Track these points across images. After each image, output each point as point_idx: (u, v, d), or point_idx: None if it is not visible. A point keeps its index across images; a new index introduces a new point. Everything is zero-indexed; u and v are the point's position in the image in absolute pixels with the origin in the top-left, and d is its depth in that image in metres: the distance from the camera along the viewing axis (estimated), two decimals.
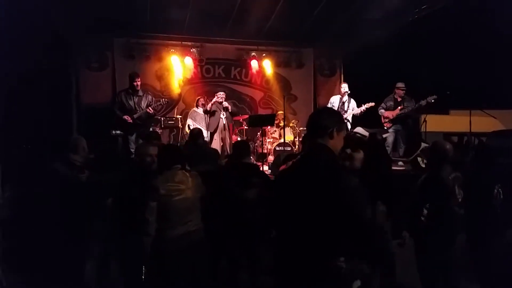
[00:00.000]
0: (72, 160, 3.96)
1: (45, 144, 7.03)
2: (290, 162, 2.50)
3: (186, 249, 2.92)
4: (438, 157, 3.39)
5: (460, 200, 3.30)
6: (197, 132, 5.36)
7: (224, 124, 7.52)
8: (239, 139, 8.14)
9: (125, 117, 6.24)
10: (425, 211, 3.17)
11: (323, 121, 1.96)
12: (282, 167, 3.20)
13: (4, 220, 4.16)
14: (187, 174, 3.13)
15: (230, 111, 7.61)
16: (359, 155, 3.18)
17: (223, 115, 7.54)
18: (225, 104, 7.57)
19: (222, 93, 7.67)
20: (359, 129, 6.31)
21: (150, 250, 2.91)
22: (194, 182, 3.13)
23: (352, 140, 3.85)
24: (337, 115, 2.09)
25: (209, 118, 7.57)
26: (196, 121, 7.82)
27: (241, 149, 3.96)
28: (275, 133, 8.48)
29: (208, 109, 7.51)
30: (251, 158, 7.93)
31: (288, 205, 1.85)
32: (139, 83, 6.39)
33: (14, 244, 4.21)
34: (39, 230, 3.62)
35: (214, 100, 7.55)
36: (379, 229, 3.13)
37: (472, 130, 7.17)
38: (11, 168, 4.59)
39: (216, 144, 7.43)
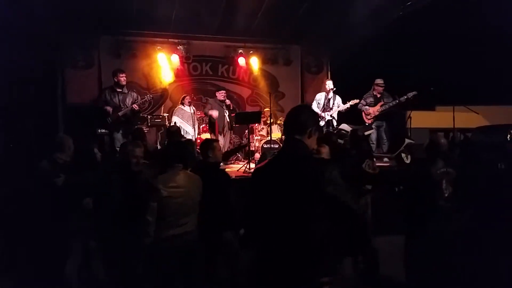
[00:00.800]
0: (57, 159, 3.94)
1: (30, 143, 6.98)
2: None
3: (181, 250, 2.93)
4: (433, 151, 3.46)
5: (447, 195, 3.36)
6: (174, 130, 5.27)
7: (228, 123, 7.62)
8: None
9: (107, 107, 6.17)
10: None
11: (303, 119, 1.97)
12: (258, 165, 3.25)
13: None
14: (189, 175, 3.12)
15: (231, 108, 7.68)
16: (325, 149, 3.20)
17: (226, 113, 7.63)
18: (228, 102, 7.62)
19: (223, 91, 7.74)
20: (344, 126, 6.37)
21: (147, 250, 2.91)
22: (196, 185, 3.11)
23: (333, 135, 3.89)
24: (316, 115, 2.14)
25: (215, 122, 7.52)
26: (184, 118, 7.80)
27: (206, 148, 3.83)
28: (263, 130, 8.51)
29: (210, 115, 7.49)
30: (238, 156, 8.05)
31: (269, 201, 1.86)
32: (122, 79, 6.35)
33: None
34: (24, 230, 3.60)
35: (215, 98, 7.64)
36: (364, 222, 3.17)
37: (457, 126, 7.28)
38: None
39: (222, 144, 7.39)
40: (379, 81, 7.32)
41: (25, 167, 5.02)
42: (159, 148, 7.10)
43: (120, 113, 6.25)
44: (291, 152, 1.91)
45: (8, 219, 4.08)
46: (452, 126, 8.40)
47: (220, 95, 7.61)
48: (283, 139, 2.00)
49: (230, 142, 8.04)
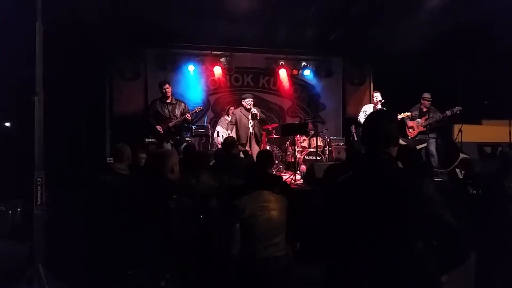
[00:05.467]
0: (116, 169, 3.94)
1: (81, 152, 7.22)
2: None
3: (270, 272, 2.81)
4: (506, 164, 3.37)
5: None
6: (230, 141, 5.14)
7: (251, 133, 6.84)
8: (268, 147, 8.14)
9: (157, 127, 6.31)
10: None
11: (390, 128, 1.83)
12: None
13: (49, 226, 4.26)
14: (273, 195, 3.00)
15: (259, 118, 6.88)
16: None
17: (250, 124, 6.84)
18: (254, 110, 6.80)
19: (250, 99, 6.89)
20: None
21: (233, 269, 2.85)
22: (281, 204, 2.98)
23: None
24: (397, 122, 2.00)
25: (237, 126, 7.00)
26: (227, 129, 7.84)
27: (263, 159, 3.88)
28: (304, 142, 8.44)
29: (235, 120, 6.99)
30: (280, 168, 8.02)
31: (357, 218, 1.77)
32: (168, 90, 6.47)
33: (58, 251, 4.31)
34: (88, 240, 3.63)
35: (241, 107, 7.01)
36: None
37: (505, 141, 6.96)
38: (54, 177, 4.68)
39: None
40: (426, 95, 7.14)
41: (82, 178, 5.19)
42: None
43: (171, 124, 6.36)
44: (381, 168, 1.78)
45: (70, 228, 4.16)
46: (499, 140, 8.07)
47: (245, 103, 6.87)
48: (364, 150, 1.85)
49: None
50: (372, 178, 1.79)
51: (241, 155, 6.07)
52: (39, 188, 4.12)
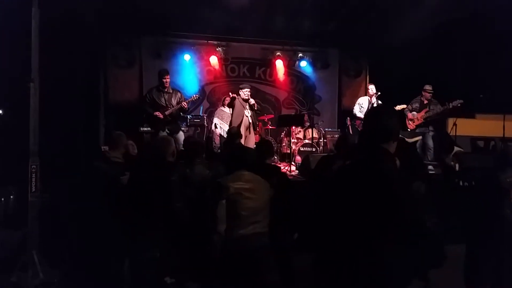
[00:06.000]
0: (112, 157, 3.91)
1: (76, 140, 7.16)
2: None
3: (250, 251, 2.88)
4: (503, 159, 3.41)
5: None
6: (235, 132, 5.27)
7: (250, 123, 6.99)
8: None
9: (156, 113, 6.29)
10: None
11: (391, 124, 1.82)
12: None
13: (43, 215, 4.25)
14: (254, 175, 3.08)
15: (256, 108, 7.11)
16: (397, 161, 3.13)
17: (248, 113, 6.96)
18: (252, 101, 6.98)
19: (247, 89, 7.00)
20: None
21: (218, 249, 2.90)
22: (263, 184, 3.08)
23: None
24: (399, 117, 1.95)
25: (231, 113, 7.11)
26: (223, 119, 7.82)
27: (264, 149, 3.89)
28: (300, 133, 8.45)
29: (232, 102, 7.01)
30: (274, 159, 8.03)
31: (345, 210, 1.77)
32: (168, 80, 6.44)
33: (52, 239, 4.30)
34: (83, 228, 3.62)
35: (240, 96, 7.03)
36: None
37: (498, 135, 7.03)
38: (49, 165, 4.64)
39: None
40: (427, 87, 7.12)
41: (78, 166, 5.16)
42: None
43: (167, 112, 6.33)
44: (376, 164, 1.77)
45: (64, 219, 4.15)
46: (493, 135, 8.15)
47: (243, 93, 6.96)
48: (362, 145, 1.83)
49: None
50: (363, 173, 1.78)
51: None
52: (33, 175, 4.11)
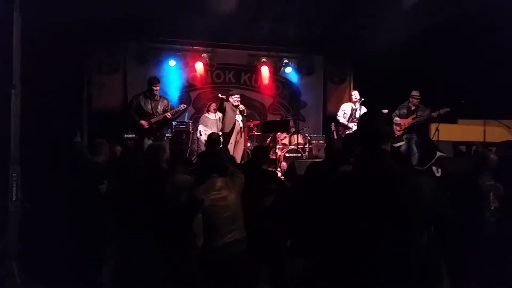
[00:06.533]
0: (93, 164, 3.91)
1: (58, 148, 7.03)
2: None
3: (231, 259, 2.84)
4: (481, 164, 3.51)
5: (492, 208, 3.33)
6: (215, 138, 5.24)
7: (240, 127, 7.21)
8: (249, 144, 8.15)
9: (142, 121, 6.23)
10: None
11: (386, 127, 1.91)
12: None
13: (22, 220, 4.15)
14: (225, 180, 3.01)
15: (245, 114, 7.31)
16: None
17: (238, 118, 7.19)
18: (242, 107, 7.20)
19: (237, 96, 7.27)
20: None
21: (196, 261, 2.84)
22: (232, 189, 3.00)
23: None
24: (390, 120, 2.04)
25: (223, 118, 7.22)
26: (207, 126, 7.81)
27: (261, 155, 3.90)
28: (285, 139, 8.47)
29: (224, 106, 7.10)
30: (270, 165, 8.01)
31: (356, 215, 1.79)
32: (158, 88, 6.41)
33: (31, 246, 4.20)
34: (64, 238, 3.56)
35: (229, 102, 7.20)
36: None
37: (479, 140, 7.17)
38: (29, 172, 4.55)
39: (230, 148, 7.32)
40: (414, 93, 7.25)
41: (59, 173, 5.06)
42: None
43: (153, 120, 6.29)
44: (381, 164, 1.83)
45: (43, 222, 4.08)
46: (475, 140, 8.31)
47: (234, 99, 7.18)
48: (359, 148, 1.87)
49: (249, 150, 8.02)
50: (370, 176, 1.83)
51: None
52: (14, 184, 4.00)
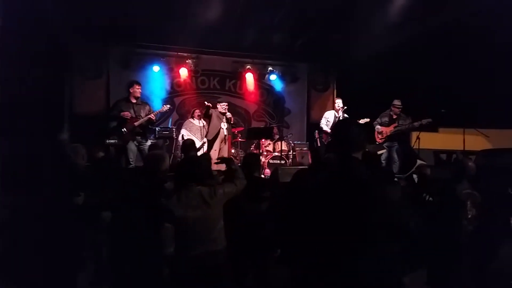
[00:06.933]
0: (70, 169, 3.85)
1: (38, 153, 6.89)
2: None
3: (202, 272, 2.70)
4: (459, 172, 3.55)
5: (470, 216, 3.39)
6: (189, 144, 5.14)
7: (225, 135, 7.33)
8: (233, 151, 8.14)
9: (124, 113, 6.15)
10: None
11: (360, 135, 1.95)
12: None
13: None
14: (203, 189, 2.84)
15: (232, 122, 7.43)
16: None
17: (224, 125, 7.33)
18: (229, 115, 7.36)
19: (225, 104, 7.47)
20: None
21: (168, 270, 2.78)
22: (211, 200, 2.83)
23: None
24: (364, 129, 2.07)
25: (208, 125, 7.35)
26: (191, 131, 7.78)
27: (253, 163, 3.87)
28: (269, 146, 8.50)
29: (206, 114, 7.17)
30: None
31: (326, 221, 1.80)
32: (138, 90, 6.35)
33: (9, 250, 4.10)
34: (43, 243, 3.49)
35: (217, 109, 7.35)
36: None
37: (459, 148, 7.31)
38: (8, 179, 4.46)
39: (214, 155, 7.33)
40: (396, 102, 7.37)
41: (36, 177, 4.96)
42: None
43: (136, 123, 6.23)
44: (352, 172, 1.86)
45: (21, 230, 3.98)
46: (454, 148, 8.48)
47: (221, 107, 7.39)
48: (332, 156, 1.88)
49: (233, 156, 8.03)
50: (345, 182, 1.86)
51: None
52: None
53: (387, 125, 7.28)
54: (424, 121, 6.86)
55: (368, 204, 1.76)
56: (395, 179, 6.19)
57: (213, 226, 2.81)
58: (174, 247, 2.82)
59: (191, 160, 3.19)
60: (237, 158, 8.25)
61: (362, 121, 7.26)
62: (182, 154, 5.23)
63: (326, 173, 2.03)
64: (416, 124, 6.95)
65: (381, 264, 1.71)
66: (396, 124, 7.18)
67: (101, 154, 6.03)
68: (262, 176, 7.19)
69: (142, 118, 6.29)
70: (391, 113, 7.35)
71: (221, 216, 2.88)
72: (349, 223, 1.76)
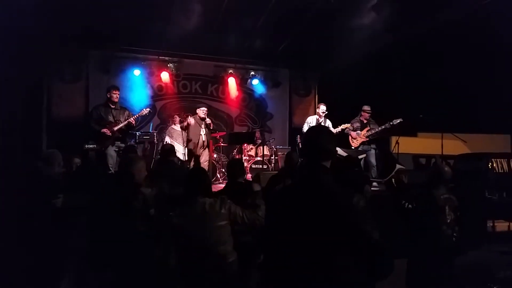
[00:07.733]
0: (46, 175, 3.74)
1: (14, 159, 6.71)
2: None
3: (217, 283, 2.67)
4: (436, 177, 3.58)
5: (449, 221, 3.43)
6: (169, 149, 5.12)
7: (203, 141, 7.15)
8: (215, 156, 8.10)
9: (104, 130, 6.05)
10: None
11: (329, 143, 1.92)
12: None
13: None
14: (210, 201, 2.82)
15: (211, 128, 7.31)
16: None
17: (203, 132, 7.17)
18: (208, 120, 7.22)
19: (204, 108, 7.32)
20: (337, 150, 6.39)
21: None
22: (218, 212, 2.80)
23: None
24: (334, 137, 2.05)
25: (188, 133, 7.21)
26: (172, 137, 7.72)
27: (237, 168, 3.82)
28: (251, 150, 8.49)
29: (187, 124, 7.12)
30: (219, 177, 7.96)
31: (292, 230, 1.79)
32: (115, 95, 6.25)
33: None
34: (15, 249, 3.39)
35: (196, 115, 7.26)
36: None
37: (438, 153, 7.44)
38: None
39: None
40: (366, 107, 7.47)
41: (10, 183, 4.82)
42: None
43: (116, 128, 6.12)
44: (318, 180, 1.84)
45: None
46: (434, 152, 8.62)
47: (201, 112, 7.24)
48: (301, 162, 1.87)
49: (215, 161, 7.99)
50: (307, 190, 1.85)
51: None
52: None
53: (360, 130, 7.37)
54: (395, 121, 6.93)
55: (331, 213, 1.75)
56: (374, 183, 6.31)
57: (221, 241, 2.80)
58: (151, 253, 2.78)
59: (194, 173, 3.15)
60: (220, 163, 8.21)
61: (343, 126, 7.34)
62: (161, 158, 5.17)
63: (295, 179, 2.01)
64: (387, 125, 7.03)
65: (346, 273, 1.71)
66: (368, 128, 7.27)
67: (79, 159, 5.95)
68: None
69: (122, 122, 6.18)
70: (361, 118, 7.45)
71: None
72: (311, 232, 1.75)
